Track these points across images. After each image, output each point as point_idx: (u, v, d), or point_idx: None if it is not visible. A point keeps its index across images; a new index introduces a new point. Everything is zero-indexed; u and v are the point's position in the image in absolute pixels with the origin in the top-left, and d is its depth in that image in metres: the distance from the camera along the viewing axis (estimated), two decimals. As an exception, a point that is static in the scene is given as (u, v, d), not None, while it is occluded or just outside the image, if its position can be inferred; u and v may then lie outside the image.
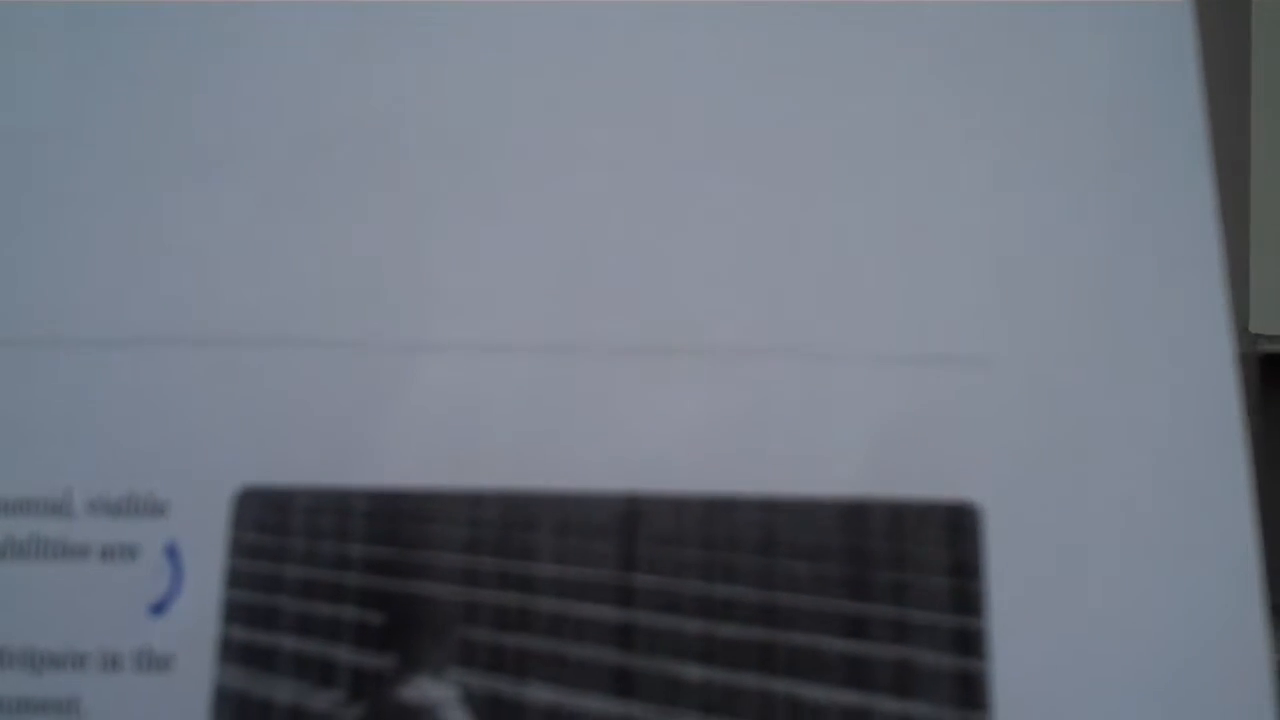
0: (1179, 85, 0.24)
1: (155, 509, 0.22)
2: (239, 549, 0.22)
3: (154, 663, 0.21)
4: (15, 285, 0.23)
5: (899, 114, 0.24)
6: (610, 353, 0.22)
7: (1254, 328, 0.56)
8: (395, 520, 0.22)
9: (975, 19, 0.24)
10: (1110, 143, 0.23)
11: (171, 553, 0.22)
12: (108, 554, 0.22)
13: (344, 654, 0.21)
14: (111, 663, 0.21)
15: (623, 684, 0.21)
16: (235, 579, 0.21)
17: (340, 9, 0.24)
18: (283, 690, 0.21)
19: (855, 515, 0.22)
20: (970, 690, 0.21)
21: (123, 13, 0.24)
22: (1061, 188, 0.23)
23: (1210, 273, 0.23)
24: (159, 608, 0.21)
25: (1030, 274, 0.23)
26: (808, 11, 0.24)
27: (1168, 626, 0.21)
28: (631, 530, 0.22)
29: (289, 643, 0.21)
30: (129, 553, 0.22)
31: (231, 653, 0.21)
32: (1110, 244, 0.23)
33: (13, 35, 0.24)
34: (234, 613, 0.21)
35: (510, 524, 0.22)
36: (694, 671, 0.21)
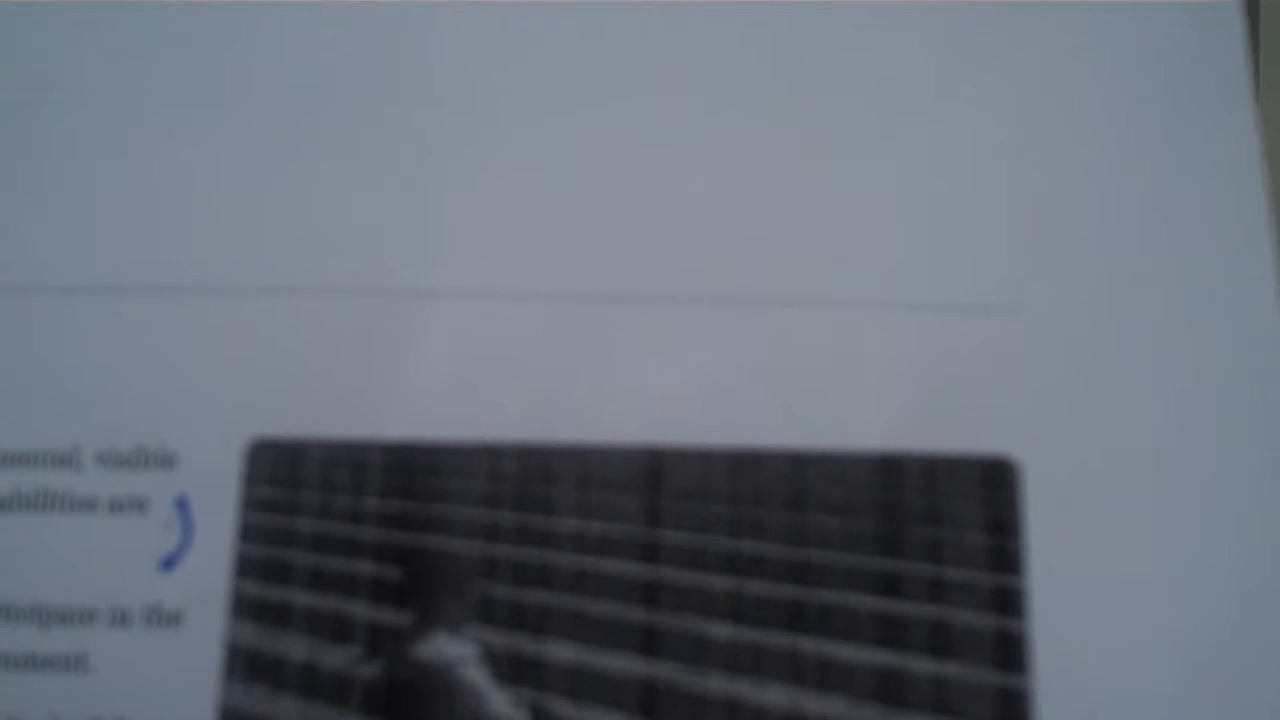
0: (1223, 42, 0.23)
1: (165, 461, 0.21)
2: (251, 502, 0.21)
3: (164, 618, 0.21)
4: (24, 233, 0.22)
5: (928, 63, 0.23)
6: (633, 301, 0.22)
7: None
8: (412, 473, 0.21)
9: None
10: (1152, 101, 0.23)
11: (182, 506, 0.21)
12: (116, 507, 0.21)
13: (359, 610, 0.21)
14: (120, 618, 0.21)
15: (647, 642, 0.20)
16: (247, 533, 0.21)
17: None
18: (296, 647, 0.20)
19: (888, 469, 0.21)
20: (1009, 651, 0.20)
21: None
22: (1100, 141, 0.22)
23: (1254, 225, 0.22)
24: (169, 562, 0.21)
25: (1066, 222, 0.22)
26: None
27: (1212, 585, 0.20)
28: (655, 484, 0.21)
29: (302, 598, 0.21)
30: (138, 506, 0.21)
31: (243, 608, 0.21)
32: (1149, 196, 0.22)
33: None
34: (246, 567, 0.21)
35: (530, 477, 0.21)
36: (720, 630, 0.20)
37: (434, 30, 0.23)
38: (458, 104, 0.23)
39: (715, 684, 0.20)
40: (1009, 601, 0.20)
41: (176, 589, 0.21)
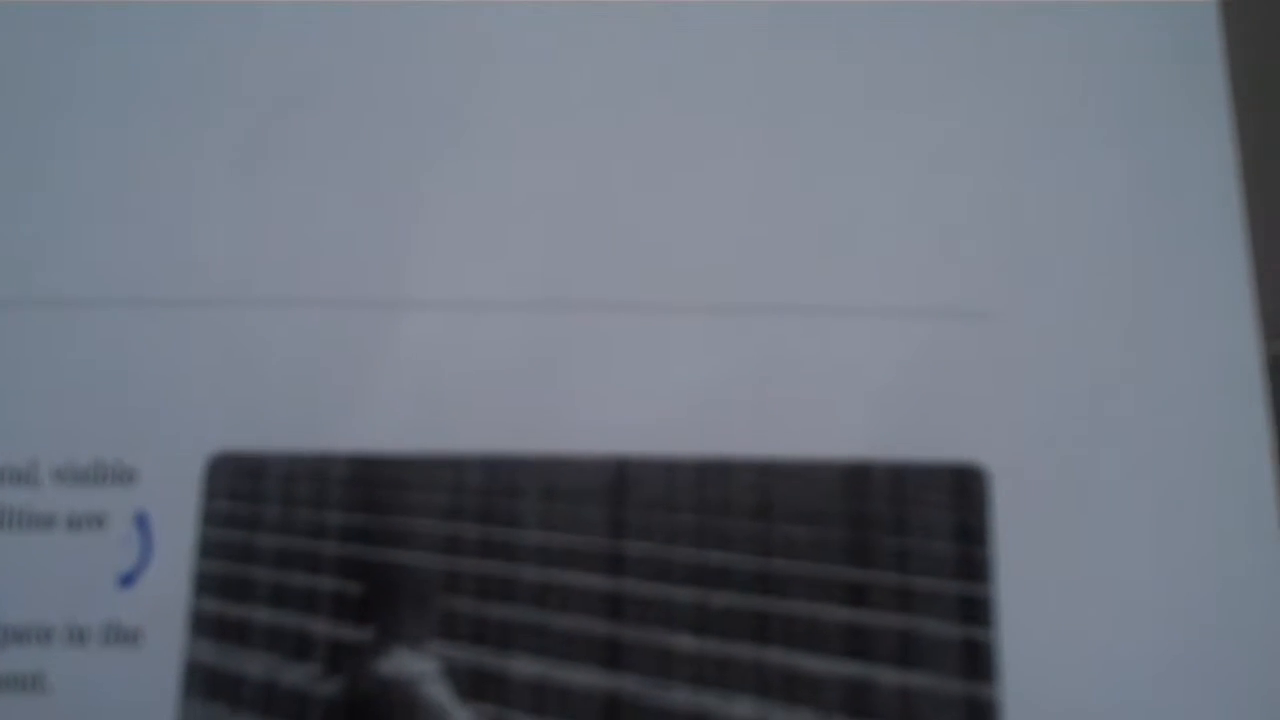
0: (1201, 54, 0.23)
1: (124, 476, 0.21)
2: (211, 517, 0.21)
3: (122, 636, 0.20)
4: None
5: (905, 71, 0.23)
6: (600, 309, 0.22)
7: None
8: (374, 486, 0.21)
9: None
10: (1129, 104, 0.22)
11: (141, 522, 0.21)
12: (74, 524, 0.21)
13: (320, 626, 0.20)
14: (78, 636, 0.20)
15: (611, 655, 0.20)
16: (207, 548, 0.21)
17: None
18: (256, 664, 0.20)
19: (856, 478, 0.21)
20: (977, 660, 0.20)
21: None
22: (1075, 146, 0.22)
23: (1231, 233, 0.22)
24: (128, 579, 0.20)
25: (1038, 228, 0.22)
26: None
27: (1184, 593, 0.20)
28: (621, 495, 0.21)
29: (263, 615, 0.20)
30: (97, 522, 0.21)
31: (203, 625, 0.20)
32: (1126, 203, 0.22)
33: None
34: (206, 584, 0.20)
35: (494, 489, 0.21)
36: (686, 642, 0.20)
37: (408, 36, 0.23)
38: (426, 111, 0.23)
39: (680, 697, 0.20)
40: (977, 610, 0.20)
41: (135, 606, 0.20)
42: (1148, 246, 0.22)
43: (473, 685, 0.20)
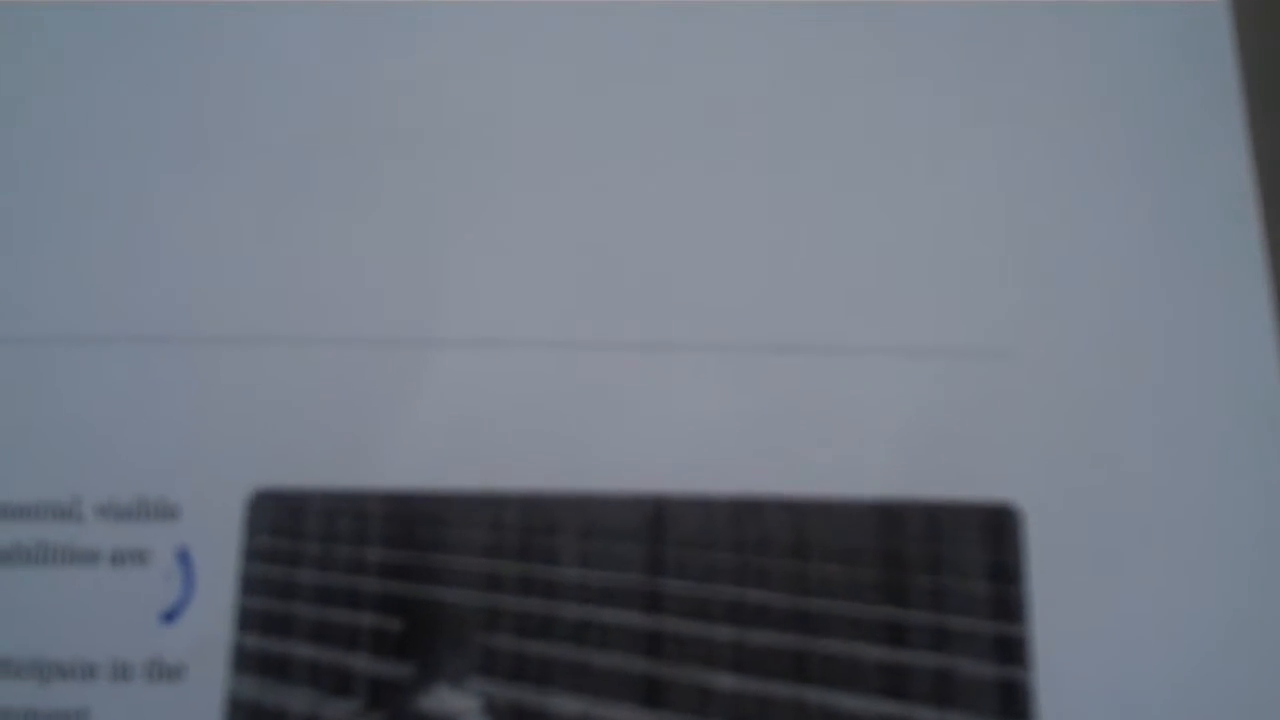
0: (1217, 85, 0.23)
1: (166, 513, 0.21)
2: (252, 553, 0.21)
3: (165, 672, 0.20)
4: (23, 283, 0.22)
5: (929, 110, 0.23)
6: (636, 349, 0.22)
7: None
8: (413, 523, 0.21)
9: (1015, 18, 0.23)
10: (1147, 143, 0.23)
11: (183, 558, 0.21)
12: (118, 560, 0.21)
13: (361, 662, 0.20)
14: (121, 673, 0.20)
15: (651, 693, 0.20)
16: (249, 585, 0.21)
17: (348, 4, 0.24)
18: (298, 700, 0.20)
19: (890, 517, 0.21)
20: (1012, 700, 0.20)
21: (126, 10, 0.24)
22: (1099, 185, 0.22)
23: (1252, 269, 0.22)
24: (170, 615, 0.21)
25: (1066, 266, 0.22)
26: (835, 10, 0.24)
27: (1219, 633, 0.20)
28: (658, 533, 0.21)
29: (304, 651, 0.21)
30: (139, 558, 0.21)
31: (245, 661, 0.20)
32: (1149, 240, 0.22)
33: (13, 33, 0.24)
34: (247, 620, 0.21)
35: (532, 527, 0.21)
36: (725, 680, 0.20)
37: (436, 78, 0.23)
38: (457, 153, 0.23)
39: (719, 735, 0.20)
40: (1012, 650, 0.20)
41: (178, 642, 0.21)
42: (1174, 282, 0.22)
43: (513, 722, 0.20)
